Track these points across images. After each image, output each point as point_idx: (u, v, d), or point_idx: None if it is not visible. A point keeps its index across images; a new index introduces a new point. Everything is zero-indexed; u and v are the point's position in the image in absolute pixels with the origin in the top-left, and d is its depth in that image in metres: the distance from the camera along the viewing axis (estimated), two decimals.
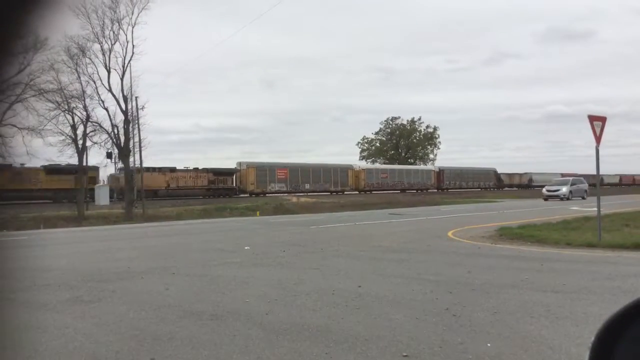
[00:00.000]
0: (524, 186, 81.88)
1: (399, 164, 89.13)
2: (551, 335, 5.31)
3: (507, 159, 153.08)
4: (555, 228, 16.98)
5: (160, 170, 45.90)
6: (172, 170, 47.26)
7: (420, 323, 5.92)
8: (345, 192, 58.73)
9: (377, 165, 71.20)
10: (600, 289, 7.77)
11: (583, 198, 45.17)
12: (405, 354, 4.79)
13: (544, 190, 47.71)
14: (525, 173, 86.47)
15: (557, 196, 45.08)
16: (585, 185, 48.39)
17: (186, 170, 48.02)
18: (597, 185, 15.24)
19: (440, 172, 73.36)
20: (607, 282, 8.29)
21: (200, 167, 49.53)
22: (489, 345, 5.03)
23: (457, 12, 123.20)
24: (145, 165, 35.78)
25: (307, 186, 56.34)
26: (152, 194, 41.28)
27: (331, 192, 57.79)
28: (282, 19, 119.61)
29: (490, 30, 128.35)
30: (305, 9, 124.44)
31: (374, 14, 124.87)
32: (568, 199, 44.08)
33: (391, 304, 6.94)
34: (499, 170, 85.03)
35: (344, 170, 61.32)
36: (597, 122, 13.63)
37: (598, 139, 13.53)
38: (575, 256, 11.58)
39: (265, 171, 53.33)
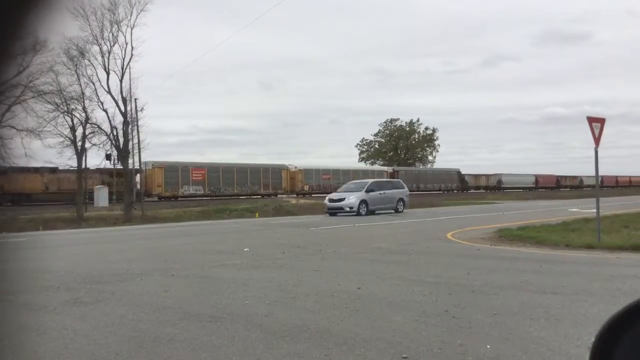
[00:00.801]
0: (493, 188, 77.99)
1: (398, 165, 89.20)
2: (551, 337, 5.31)
3: (505, 161, 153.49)
4: (555, 229, 16.98)
5: (38, 170, 38.53)
6: (53, 170, 38.64)
7: (420, 325, 5.91)
8: (279, 196, 52.59)
9: (319, 165, 61.99)
10: (599, 290, 7.77)
11: (396, 211, 31.09)
12: (404, 356, 4.79)
13: (325, 200, 31.64)
14: (495, 174, 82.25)
15: (341, 209, 29.49)
16: (400, 192, 32.42)
17: (71, 171, 37.35)
18: (596, 187, 15.26)
19: (395, 174, 66.18)
20: (606, 283, 8.29)
21: (93, 167, 40.04)
22: (488, 346, 5.03)
23: (453, 15, 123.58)
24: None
25: (231, 189, 50.10)
26: (24, 199, 36.76)
27: (262, 195, 51.38)
28: (279, 22, 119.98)
29: (486, 32, 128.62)
30: (302, 12, 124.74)
31: (370, 16, 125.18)
32: (359, 213, 28.80)
33: (390, 306, 6.94)
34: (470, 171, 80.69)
35: (277, 170, 54.55)
36: (596, 123, 13.65)
37: (597, 140, 13.54)
38: (574, 257, 11.59)
39: (176, 172, 46.62)
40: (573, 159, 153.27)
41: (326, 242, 15.38)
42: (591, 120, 13.62)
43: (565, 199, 54.41)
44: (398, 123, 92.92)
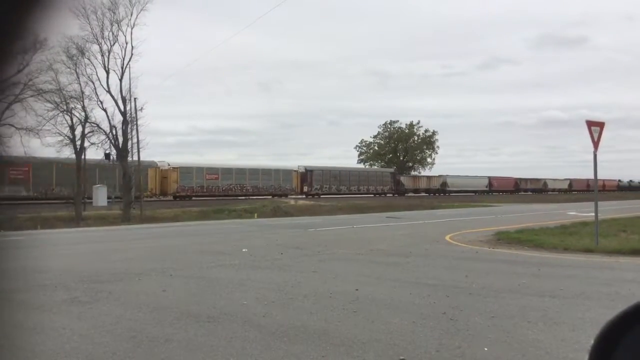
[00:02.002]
0: (436, 192, 71.47)
1: (397, 167, 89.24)
2: (548, 340, 5.31)
3: (504, 164, 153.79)
4: (553, 233, 17.00)
5: None
6: None
7: (418, 327, 5.91)
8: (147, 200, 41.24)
9: (203, 163, 52.01)
10: (597, 294, 7.78)
11: None
12: (402, 358, 4.79)
13: None
14: (439, 175, 76.99)
15: None
16: None
17: None
18: (595, 190, 15.28)
19: (307, 174, 59.12)
20: (604, 287, 8.30)
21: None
22: (486, 349, 5.03)
23: (451, 18, 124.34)
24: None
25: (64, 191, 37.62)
26: None
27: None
28: (278, 23, 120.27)
29: (484, 36, 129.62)
30: (301, 13, 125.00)
31: (368, 18, 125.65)
32: None
33: (388, 308, 6.94)
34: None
35: (143, 169, 41.22)
36: (595, 127, 13.67)
37: (596, 144, 13.56)
38: (572, 261, 11.60)
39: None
40: (572, 162, 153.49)
41: (324, 244, 15.37)
42: (590, 124, 13.65)
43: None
44: (397, 125, 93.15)
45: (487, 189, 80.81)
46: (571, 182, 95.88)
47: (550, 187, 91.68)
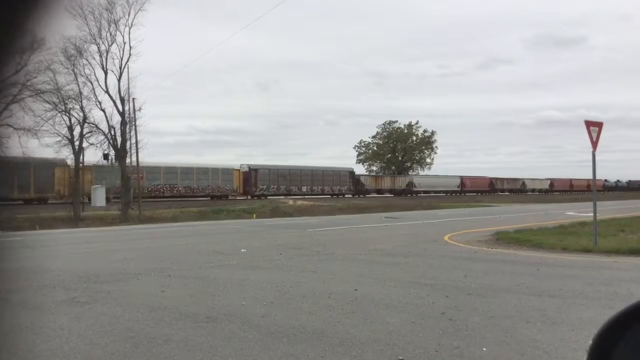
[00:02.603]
0: (401, 192, 67.06)
1: (396, 168, 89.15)
2: (547, 340, 5.31)
3: (502, 164, 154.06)
4: (552, 233, 17.01)
5: None
6: None
7: (417, 327, 5.91)
8: (50, 202, 39.39)
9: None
10: (596, 294, 7.79)
11: None
12: (401, 358, 4.79)
13: None
14: (406, 175, 74.00)
15: None
16: None
17: None
18: (593, 190, 15.30)
19: (251, 173, 53.89)
20: (603, 287, 8.31)
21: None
22: (484, 349, 5.03)
23: (448, 19, 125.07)
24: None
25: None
26: None
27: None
28: (276, 23, 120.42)
29: (481, 36, 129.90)
30: (299, 14, 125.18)
31: (366, 19, 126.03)
32: None
33: (387, 308, 6.94)
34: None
35: (49, 166, 38.93)
36: (594, 127, 13.68)
37: (594, 144, 13.57)
38: (571, 261, 11.60)
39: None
40: (569, 162, 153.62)
41: (323, 244, 15.36)
42: (589, 124, 13.66)
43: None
44: (396, 125, 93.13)
45: (459, 189, 76.50)
46: (552, 182, 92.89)
47: (529, 187, 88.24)
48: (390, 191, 67.57)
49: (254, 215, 33.12)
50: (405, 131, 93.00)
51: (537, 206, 44.13)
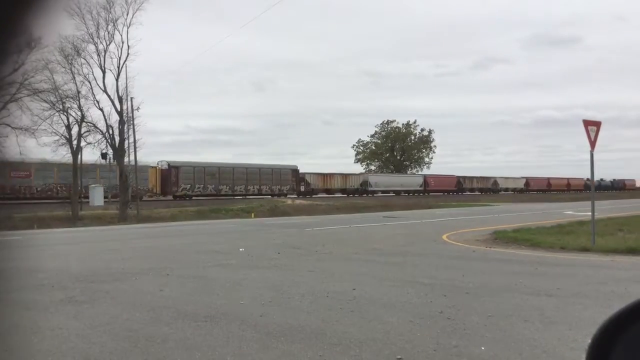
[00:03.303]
0: (354, 192, 61.31)
1: (394, 167, 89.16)
2: (545, 339, 5.32)
3: (501, 164, 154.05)
4: (550, 232, 17.03)
5: None
6: None
7: (415, 326, 5.92)
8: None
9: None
10: (594, 293, 7.80)
11: None
12: (399, 357, 4.79)
13: None
14: (361, 173, 67.62)
15: None
16: None
17: None
18: (592, 189, 15.32)
19: (171, 171, 47.17)
20: (601, 286, 8.32)
21: None
22: (483, 348, 5.03)
23: (444, 18, 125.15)
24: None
25: None
26: None
27: None
28: (271, 23, 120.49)
29: (477, 35, 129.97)
30: (294, 14, 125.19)
31: (362, 19, 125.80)
32: None
33: (385, 307, 6.94)
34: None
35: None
36: (592, 127, 13.69)
37: (593, 143, 13.58)
38: (569, 260, 11.62)
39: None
40: (567, 161, 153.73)
41: (322, 243, 15.37)
42: (587, 123, 13.67)
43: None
44: (394, 124, 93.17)
45: (422, 188, 70.89)
46: (528, 180, 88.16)
47: (502, 186, 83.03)
48: (342, 191, 61.41)
49: (252, 214, 33.12)
50: (404, 130, 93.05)
51: (537, 205, 44.10)
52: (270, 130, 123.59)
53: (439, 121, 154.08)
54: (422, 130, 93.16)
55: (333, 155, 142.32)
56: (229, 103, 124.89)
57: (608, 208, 31.15)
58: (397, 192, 66.59)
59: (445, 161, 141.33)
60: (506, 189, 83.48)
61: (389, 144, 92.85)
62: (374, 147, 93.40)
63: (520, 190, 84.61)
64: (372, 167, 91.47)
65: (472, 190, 78.86)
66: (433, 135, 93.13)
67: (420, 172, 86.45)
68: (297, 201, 44.85)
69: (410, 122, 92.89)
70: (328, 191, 60.19)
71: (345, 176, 63.31)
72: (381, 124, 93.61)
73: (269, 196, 51.68)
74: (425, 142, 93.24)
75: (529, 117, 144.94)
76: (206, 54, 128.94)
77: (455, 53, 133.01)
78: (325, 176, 61.27)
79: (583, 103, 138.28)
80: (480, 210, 36.37)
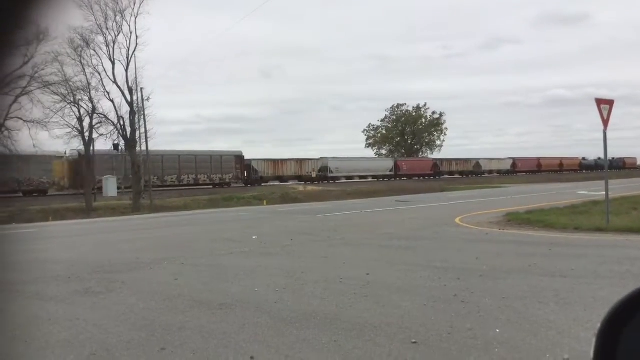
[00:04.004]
0: (310, 179, 55.85)
1: (405, 151, 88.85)
2: (560, 320, 5.30)
3: (513, 145, 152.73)
4: (563, 213, 16.92)
5: None
6: None
7: (429, 310, 5.92)
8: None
9: None
10: (609, 273, 7.75)
11: None
12: (414, 341, 4.80)
13: None
14: (320, 158, 59.90)
15: None
16: None
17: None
18: (605, 168, 15.18)
19: (82, 161, 35.95)
20: (616, 266, 8.26)
21: None
22: (497, 330, 5.03)
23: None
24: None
25: None
26: None
27: None
28: (277, 9, 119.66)
29: (484, 15, 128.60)
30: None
31: (367, 2, 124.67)
32: None
33: (399, 292, 6.95)
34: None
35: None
36: (605, 105, 13.51)
37: (606, 122, 13.42)
38: (583, 240, 11.55)
39: None
40: (579, 141, 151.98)
41: (334, 229, 15.39)
42: (600, 102, 13.49)
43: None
44: (405, 108, 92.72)
45: (392, 173, 64.97)
46: (515, 161, 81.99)
47: (485, 168, 77.17)
48: (298, 178, 55.52)
49: (265, 202, 33.21)
50: (414, 114, 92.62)
51: (550, 186, 43.73)
52: (279, 117, 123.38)
53: (448, 103, 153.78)
54: (433, 113, 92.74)
55: (342, 141, 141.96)
56: (237, 91, 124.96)
57: (621, 187, 30.87)
58: (364, 178, 61.11)
59: (456, 144, 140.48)
60: (490, 172, 77.74)
61: (400, 128, 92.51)
62: (384, 132, 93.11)
63: (507, 172, 78.96)
64: (383, 152, 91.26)
65: (451, 173, 73.23)
66: (444, 118, 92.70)
67: (430, 155, 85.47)
68: (309, 188, 44.88)
69: (421, 106, 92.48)
70: (281, 179, 54.63)
71: (300, 162, 57.48)
72: (391, 107, 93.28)
73: (211, 186, 46.26)
74: (436, 125, 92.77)
75: (540, 97, 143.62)
76: (212, 42, 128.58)
77: (462, 34, 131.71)
78: (276, 162, 55.47)
79: (594, 82, 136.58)
80: (493, 193, 36.19)
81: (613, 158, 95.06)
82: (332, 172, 58.51)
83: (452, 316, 5.60)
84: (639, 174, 62.00)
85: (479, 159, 78.96)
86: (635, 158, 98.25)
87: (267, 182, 53.06)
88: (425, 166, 71.13)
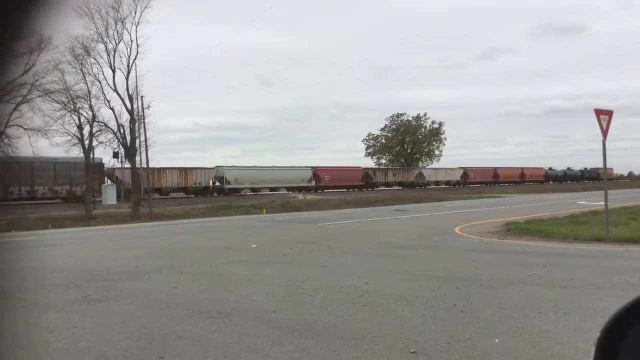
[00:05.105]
0: (197, 192, 47.12)
1: (405, 161, 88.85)
2: (559, 331, 5.29)
3: (512, 155, 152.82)
4: (563, 223, 16.92)
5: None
6: None
7: (428, 319, 5.91)
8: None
9: None
10: (608, 283, 7.74)
11: None
12: (412, 350, 4.79)
13: None
14: (216, 167, 50.78)
15: None
16: None
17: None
18: (604, 179, 15.20)
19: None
20: (615, 276, 8.25)
21: None
22: (496, 340, 5.02)
23: (448, 9, 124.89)
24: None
25: None
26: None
27: None
28: (276, 18, 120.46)
29: (482, 26, 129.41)
30: (298, 8, 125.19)
31: (366, 11, 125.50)
32: None
33: (398, 301, 6.94)
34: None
35: None
36: (604, 115, 13.56)
37: (605, 132, 13.45)
38: (583, 251, 11.54)
39: None
40: (578, 151, 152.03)
41: (333, 238, 15.38)
42: (599, 112, 13.53)
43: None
44: (405, 117, 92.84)
45: (313, 184, 56.81)
46: (466, 171, 75.07)
47: (430, 179, 70.45)
48: (183, 190, 47.91)
49: (264, 210, 33.17)
50: (414, 123, 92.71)
51: (548, 196, 43.69)
52: (279, 125, 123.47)
53: (446, 113, 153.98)
54: (433, 122, 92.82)
55: (343, 150, 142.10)
56: (236, 99, 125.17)
57: (621, 197, 30.86)
58: (275, 190, 53.03)
59: (453, 154, 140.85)
60: (437, 182, 70.65)
61: (400, 137, 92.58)
62: (384, 141, 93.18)
63: (456, 184, 71.84)
64: (383, 161, 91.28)
65: (387, 184, 65.51)
66: (444, 128, 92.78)
67: (430, 165, 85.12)
68: (309, 196, 44.86)
69: (421, 115, 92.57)
70: (159, 191, 44.78)
71: (185, 171, 48.24)
72: (391, 117, 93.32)
73: (53, 200, 38.44)
74: (435, 134, 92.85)
75: (538, 107, 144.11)
76: (212, 50, 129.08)
77: (460, 44, 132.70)
78: (154, 171, 41.34)
79: (592, 92, 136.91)
80: (492, 202, 36.19)
81: (585, 168, 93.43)
82: (229, 183, 50.33)
83: (451, 326, 5.59)
84: (620, 185, 59.41)
85: (423, 168, 74.82)
86: (611, 168, 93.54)
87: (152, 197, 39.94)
88: (354, 176, 61.68)
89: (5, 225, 25.10)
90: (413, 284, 8.14)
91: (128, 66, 32.06)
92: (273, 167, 56.87)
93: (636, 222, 16.04)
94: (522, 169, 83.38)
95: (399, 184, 67.48)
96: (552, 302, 6.57)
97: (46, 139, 30.27)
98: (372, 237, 15.49)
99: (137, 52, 31.77)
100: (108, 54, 31.61)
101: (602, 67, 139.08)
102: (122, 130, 32.69)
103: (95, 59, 31.53)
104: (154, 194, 40.21)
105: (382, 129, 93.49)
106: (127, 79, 32.33)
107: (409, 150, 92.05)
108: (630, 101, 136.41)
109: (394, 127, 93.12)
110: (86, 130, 32.08)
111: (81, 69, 30.98)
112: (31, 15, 2.06)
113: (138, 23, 31.36)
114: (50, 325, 6.19)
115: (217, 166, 50.85)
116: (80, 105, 31.48)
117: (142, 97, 33.12)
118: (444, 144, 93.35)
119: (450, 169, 76.17)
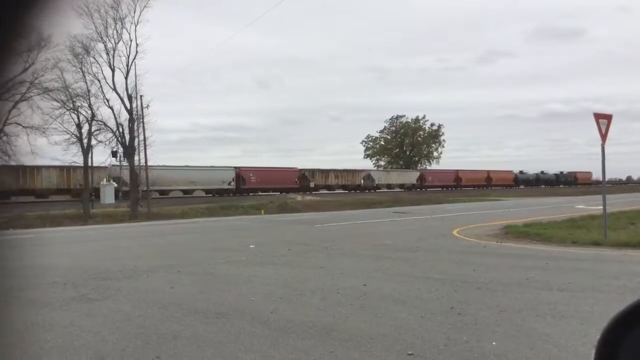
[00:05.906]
0: (78, 195, 33.94)
1: (404, 163, 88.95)
2: (557, 334, 5.29)
3: (509, 158, 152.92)
4: (561, 226, 16.93)
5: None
6: None
7: (426, 322, 5.90)
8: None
9: None
10: (606, 287, 7.75)
11: None
12: (410, 353, 4.78)
13: None
14: (110, 166, 38.27)
15: None
16: None
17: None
18: (603, 184, 15.20)
19: None
20: (613, 280, 8.26)
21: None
22: (494, 343, 5.02)
23: (447, 12, 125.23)
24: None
25: None
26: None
27: None
28: (276, 20, 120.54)
29: (480, 29, 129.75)
30: (296, 10, 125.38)
31: (365, 14, 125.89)
32: None
33: (396, 303, 6.93)
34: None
35: None
36: (603, 120, 13.56)
37: (604, 137, 13.45)
38: (581, 254, 11.54)
39: None
40: (576, 155, 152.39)
41: (331, 239, 15.37)
42: (598, 116, 13.54)
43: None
44: (404, 120, 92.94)
45: (232, 186, 49.51)
46: (423, 175, 70.72)
47: (382, 182, 63.61)
48: (67, 192, 39.75)
49: (262, 211, 33.16)
50: (413, 125, 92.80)
51: (547, 199, 43.71)
52: (278, 127, 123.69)
53: (445, 115, 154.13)
54: (432, 125, 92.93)
55: (341, 151, 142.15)
56: (235, 100, 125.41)
57: (620, 202, 30.90)
58: (188, 193, 46.60)
59: (451, 156, 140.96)
60: (389, 186, 64.34)
61: (399, 140, 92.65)
62: (383, 143, 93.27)
63: (410, 187, 65.90)
64: (382, 163, 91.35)
65: (329, 187, 58.84)
66: (443, 130, 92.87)
67: (428, 167, 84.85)
68: (307, 198, 44.86)
69: (420, 117, 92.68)
70: (33, 193, 38.42)
71: (64, 170, 39.49)
72: (390, 119, 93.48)
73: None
74: (434, 137, 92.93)
75: (536, 110, 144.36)
76: (211, 51, 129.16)
77: (458, 47, 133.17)
78: (23, 170, 36.97)
79: (591, 96, 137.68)
80: (491, 205, 36.20)
81: (561, 172, 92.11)
82: (126, 185, 38.24)
83: (449, 328, 5.59)
84: (595, 190, 58.04)
85: (372, 170, 68.29)
86: (590, 172, 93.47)
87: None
88: (287, 178, 54.28)
89: (4, 223, 25.06)
90: (411, 286, 8.13)
91: (127, 65, 32.08)
92: (186, 166, 49.36)
93: (634, 227, 16.05)
94: (488, 172, 79.26)
95: (343, 187, 60.64)
96: (550, 305, 6.57)
97: (44, 137, 30.25)
98: (371, 239, 15.48)
99: (137, 52, 31.81)
100: (107, 53, 31.63)
101: (601, 71, 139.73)
102: (121, 130, 32.68)
103: (94, 58, 31.53)
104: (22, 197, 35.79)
105: (381, 131, 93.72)
106: (126, 78, 32.35)
107: (408, 152, 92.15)
108: (628, 106, 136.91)
109: (393, 129, 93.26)
110: (85, 129, 32.06)
111: (81, 68, 30.98)
112: (31, 13, 2.05)
113: (137, 22, 31.39)
114: (48, 324, 6.18)
115: (112, 165, 38.20)
116: (79, 104, 31.47)
117: (141, 96, 33.12)
118: (443, 146, 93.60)
119: (405, 171, 73.02)
